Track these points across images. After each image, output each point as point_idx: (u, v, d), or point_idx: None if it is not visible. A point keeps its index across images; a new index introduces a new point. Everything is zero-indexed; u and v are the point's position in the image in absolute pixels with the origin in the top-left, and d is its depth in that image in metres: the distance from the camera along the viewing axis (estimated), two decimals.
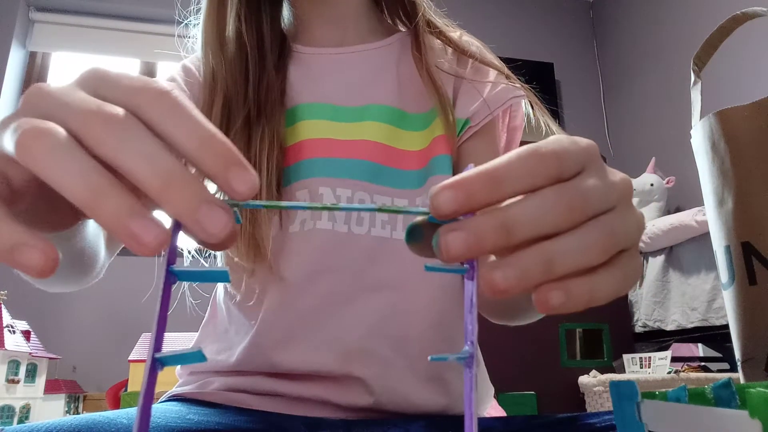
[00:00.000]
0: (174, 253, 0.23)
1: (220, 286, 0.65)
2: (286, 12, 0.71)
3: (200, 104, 0.62)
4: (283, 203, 0.24)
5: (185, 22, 0.70)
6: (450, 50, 0.69)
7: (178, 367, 0.62)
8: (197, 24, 0.67)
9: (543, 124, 0.66)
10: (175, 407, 0.52)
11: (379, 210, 0.24)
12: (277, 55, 0.65)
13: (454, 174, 0.61)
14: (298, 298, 0.56)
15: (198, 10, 0.67)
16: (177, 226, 0.23)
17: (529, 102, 0.67)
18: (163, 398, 0.60)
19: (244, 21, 0.63)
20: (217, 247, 0.23)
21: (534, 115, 0.67)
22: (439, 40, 0.69)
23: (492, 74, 0.66)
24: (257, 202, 0.24)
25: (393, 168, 0.60)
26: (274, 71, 0.63)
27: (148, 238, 0.21)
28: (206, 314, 0.65)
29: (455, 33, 0.70)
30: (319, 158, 0.59)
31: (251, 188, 0.22)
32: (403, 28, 0.72)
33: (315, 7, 0.68)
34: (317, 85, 0.65)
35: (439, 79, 0.63)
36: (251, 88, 0.61)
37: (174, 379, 0.62)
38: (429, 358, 0.23)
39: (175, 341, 1.83)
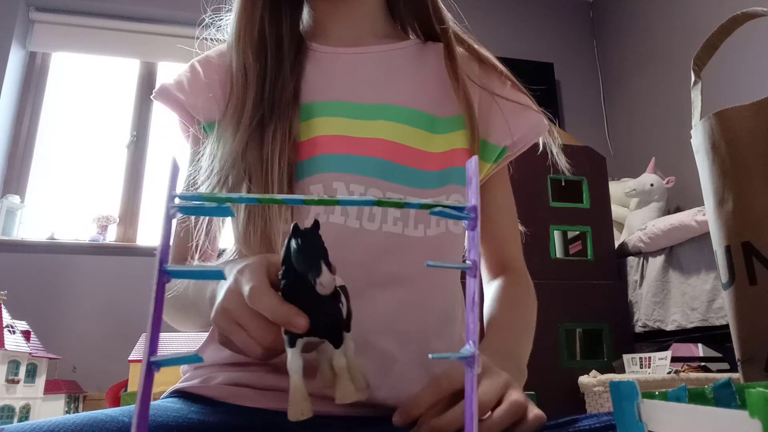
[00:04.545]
0: (167, 252, 0.22)
1: None
2: (305, 14, 0.73)
3: (227, 99, 0.64)
4: (278, 196, 0.24)
5: (206, 20, 0.73)
6: (476, 62, 0.71)
7: None
8: (212, 23, 0.71)
9: (555, 156, 0.70)
10: (176, 405, 0.52)
11: (378, 203, 0.24)
12: (294, 56, 0.67)
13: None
14: None
15: (217, 9, 0.71)
16: (168, 223, 0.23)
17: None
18: (166, 394, 0.60)
19: (267, 23, 0.65)
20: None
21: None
22: (466, 52, 0.71)
23: (516, 94, 0.69)
24: (250, 196, 0.24)
25: (408, 167, 0.61)
26: (289, 71, 0.65)
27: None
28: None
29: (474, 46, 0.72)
30: (334, 154, 0.60)
31: (304, 327, 0.36)
32: (412, 36, 0.74)
33: (333, 9, 0.70)
34: (333, 83, 0.66)
35: (470, 94, 0.65)
36: (268, 87, 0.63)
37: (172, 379, 0.62)
38: (429, 356, 0.23)
39: (175, 341, 1.83)
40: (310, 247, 0.35)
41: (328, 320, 0.38)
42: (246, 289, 0.40)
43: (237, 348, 0.43)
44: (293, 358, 0.38)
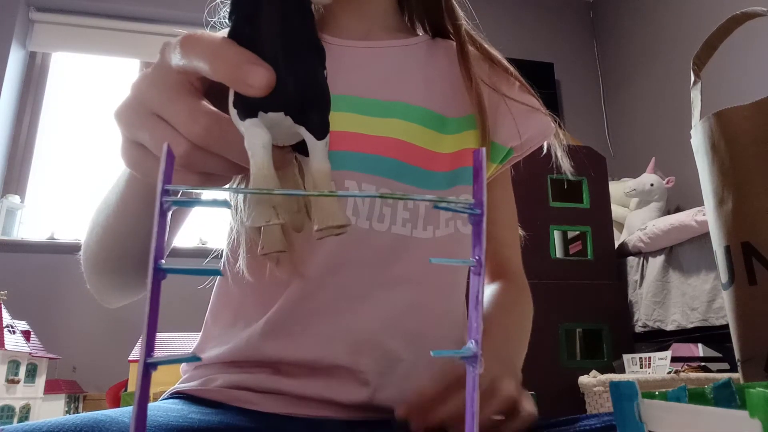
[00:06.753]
0: (161, 249, 0.22)
1: (229, 285, 0.64)
2: None
3: None
4: (277, 191, 0.23)
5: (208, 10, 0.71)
6: (486, 62, 0.70)
7: None
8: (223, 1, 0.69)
9: (559, 159, 0.69)
10: (177, 405, 0.52)
11: (381, 196, 0.23)
12: None
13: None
14: (316, 291, 0.56)
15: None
16: (162, 218, 0.22)
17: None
18: (165, 395, 0.60)
19: None
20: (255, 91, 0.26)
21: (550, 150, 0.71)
22: (477, 51, 0.70)
23: (525, 96, 0.69)
24: (246, 190, 0.23)
25: (419, 168, 0.60)
26: None
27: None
28: (207, 315, 0.64)
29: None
30: (346, 151, 0.59)
31: (265, 80, 0.25)
32: (420, 31, 0.74)
33: (344, 1, 0.69)
34: (344, 76, 0.65)
35: (482, 94, 0.64)
36: None
37: (171, 379, 0.62)
38: (431, 353, 0.23)
39: (175, 341, 1.83)
40: None
41: (308, 80, 0.26)
42: (173, 43, 0.30)
43: (148, 160, 0.32)
44: (253, 131, 0.25)
